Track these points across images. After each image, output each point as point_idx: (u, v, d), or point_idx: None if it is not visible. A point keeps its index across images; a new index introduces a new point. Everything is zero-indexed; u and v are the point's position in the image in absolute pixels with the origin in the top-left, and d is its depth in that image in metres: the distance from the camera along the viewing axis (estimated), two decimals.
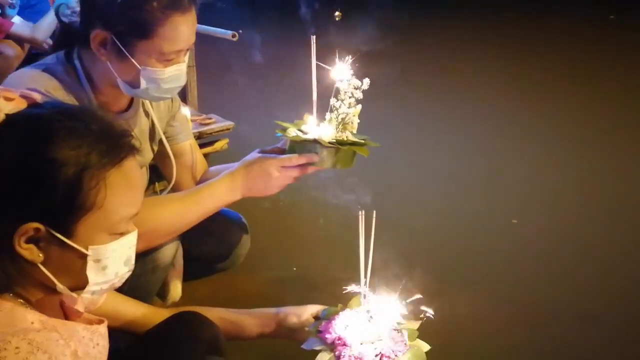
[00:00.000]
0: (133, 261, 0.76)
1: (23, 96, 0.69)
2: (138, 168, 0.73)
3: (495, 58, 4.49)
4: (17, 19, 2.62)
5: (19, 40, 2.62)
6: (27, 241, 0.67)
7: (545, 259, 1.90)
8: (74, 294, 0.73)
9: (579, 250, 1.93)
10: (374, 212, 0.91)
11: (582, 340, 1.51)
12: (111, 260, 0.72)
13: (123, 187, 0.70)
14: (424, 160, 2.68)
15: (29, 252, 0.67)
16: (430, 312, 0.96)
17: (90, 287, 0.72)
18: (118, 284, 0.77)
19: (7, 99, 0.67)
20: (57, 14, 1.19)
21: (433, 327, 0.98)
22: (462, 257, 1.88)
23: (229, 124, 2.19)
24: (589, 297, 1.69)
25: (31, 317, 0.69)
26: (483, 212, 2.20)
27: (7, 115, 0.66)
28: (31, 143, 0.66)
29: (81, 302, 0.87)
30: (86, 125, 0.69)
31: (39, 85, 1.08)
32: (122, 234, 0.72)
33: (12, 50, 2.63)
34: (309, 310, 1.08)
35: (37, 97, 0.70)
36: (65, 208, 0.66)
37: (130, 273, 0.77)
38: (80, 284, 0.72)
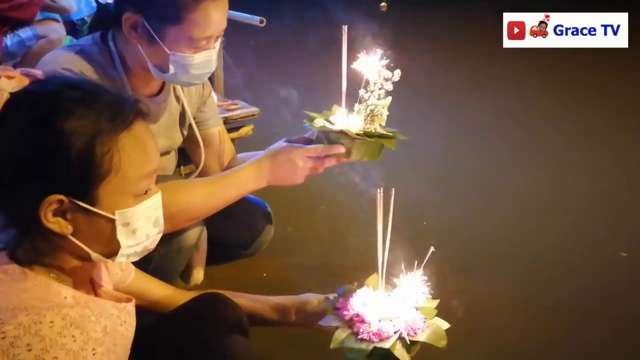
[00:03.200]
0: (162, 221, 0.77)
1: (24, 74, 0.70)
2: (148, 129, 0.74)
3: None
4: None
5: (51, 11, 2.65)
6: (54, 214, 0.68)
7: (560, 239, 1.86)
8: (109, 260, 0.74)
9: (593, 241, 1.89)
10: (393, 189, 0.90)
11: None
12: (140, 222, 0.73)
13: (136, 148, 0.70)
14: (448, 152, 2.64)
15: (57, 225, 0.68)
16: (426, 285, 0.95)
17: (123, 251, 0.73)
18: (151, 247, 0.78)
19: (9, 77, 0.68)
20: None
21: (452, 306, 0.97)
22: (482, 240, 1.86)
23: (254, 110, 2.20)
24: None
25: (65, 292, 0.71)
26: (506, 201, 2.15)
27: (10, 94, 0.67)
28: (38, 117, 0.67)
29: (110, 280, 0.90)
30: (90, 94, 0.70)
31: (74, 67, 1.10)
32: (145, 195, 0.73)
33: (56, 34, 2.66)
34: (329, 296, 1.08)
35: (39, 74, 0.71)
36: (83, 176, 0.67)
37: (160, 234, 0.78)
38: (113, 250, 0.73)
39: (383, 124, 1.18)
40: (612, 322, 1.52)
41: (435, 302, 0.97)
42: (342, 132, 1.15)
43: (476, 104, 3.05)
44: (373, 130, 1.16)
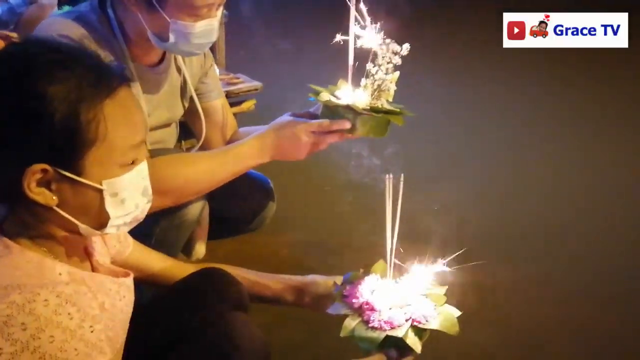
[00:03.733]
0: (150, 191, 0.75)
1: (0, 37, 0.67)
2: (133, 96, 0.71)
3: None
4: None
5: None
6: (38, 185, 0.65)
7: (568, 230, 1.86)
8: (98, 232, 0.72)
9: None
10: (402, 175, 0.88)
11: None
12: (128, 192, 0.70)
13: (121, 116, 0.67)
14: (460, 133, 2.61)
15: (42, 196, 0.66)
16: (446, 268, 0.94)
17: (113, 222, 0.71)
18: (141, 216, 0.76)
19: None
20: None
21: (461, 294, 0.96)
22: (490, 228, 1.86)
23: (256, 84, 2.16)
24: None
25: (59, 269, 0.69)
26: (517, 186, 2.15)
27: None
28: (17, 80, 0.63)
29: (108, 253, 0.88)
30: (71, 57, 0.66)
31: (71, 33, 1.07)
32: (132, 164, 0.70)
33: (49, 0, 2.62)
34: (336, 281, 1.06)
35: (14, 36, 0.68)
36: (67, 144, 0.64)
37: (150, 204, 0.76)
38: (102, 221, 0.71)
39: (390, 99, 1.15)
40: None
41: (444, 289, 0.95)
42: (348, 107, 1.12)
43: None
44: (380, 106, 1.13)
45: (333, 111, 1.15)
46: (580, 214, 2.00)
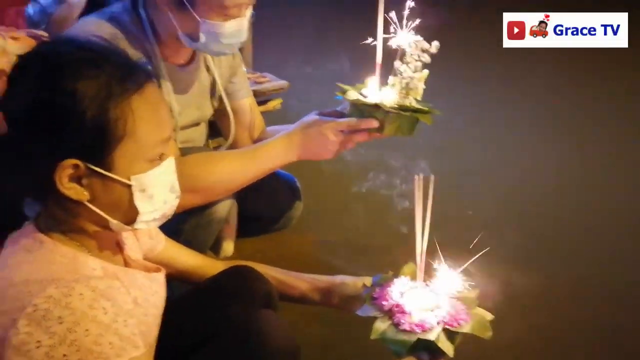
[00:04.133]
0: (178, 188, 0.76)
1: (30, 35, 0.69)
2: (160, 92, 0.73)
3: None
4: None
5: None
6: (70, 180, 0.67)
7: (612, 236, 1.82)
8: (128, 227, 0.73)
9: None
10: (432, 176, 0.86)
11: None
12: (156, 188, 0.72)
13: (148, 111, 0.69)
14: (491, 133, 2.58)
15: (74, 191, 0.68)
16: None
17: (142, 217, 0.73)
18: (170, 212, 0.77)
19: (14, 39, 0.66)
20: None
21: (491, 299, 0.95)
22: (520, 232, 1.83)
23: (283, 83, 2.16)
24: None
25: (93, 264, 0.70)
26: (554, 188, 2.11)
27: (18, 56, 0.66)
28: (48, 79, 0.65)
29: (140, 249, 0.90)
30: (99, 55, 0.68)
31: (105, 34, 1.09)
32: (160, 159, 0.72)
33: None
34: (365, 282, 1.05)
35: (45, 35, 0.69)
36: (97, 140, 0.66)
37: (178, 200, 0.77)
38: (132, 216, 0.72)
39: (419, 98, 1.14)
40: None
41: (476, 292, 0.93)
42: (376, 106, 1.11)
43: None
44: (408, 105, 1.12)
45: (360, 110, 1.14)
46: (599, 214, 1.95)
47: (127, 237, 0.85)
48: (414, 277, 0.96)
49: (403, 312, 0.88)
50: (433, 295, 0.91)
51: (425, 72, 1.11)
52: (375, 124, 1.12)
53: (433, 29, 1.11)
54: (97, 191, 0.69)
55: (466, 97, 3.09)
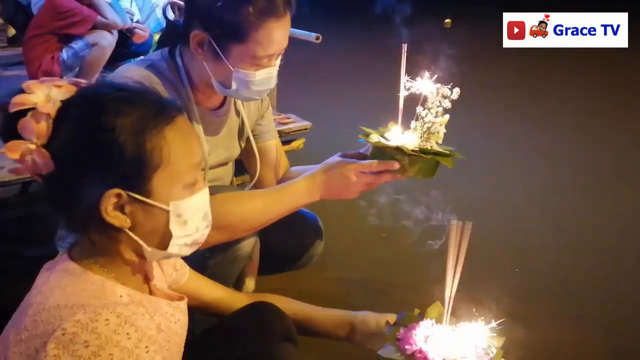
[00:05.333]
0: (210, 217, 0.82)
1: (71, 83, 0.75)
2: (189, 123, 0.79)
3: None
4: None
5: (103, 27, 2.85)
6: (114, 209, 0.72)
7: None
8: (161, 252, 0.78)
9: None
10: (470, 223, 0.86)
11: None
12: (191, 214, 0.77)
13: (181, 140, 0.75)
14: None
15: (117, 219, 0.73)
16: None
17: (175, 241, 0.77)
18: (201, 240, 0.81)
19: (57, 86, 0.73)
20: (164, 13, 1.27)
21: (519, 349, 0.93)
22: (550, 280, 1.77)
23: (306, 124, 2.23)
24: None
25: (120, 291, 0.75)
26: (585, 233, 2.03)
27: (62, 101, 0.73)
28: (91, 118, 0.72)
29: (164, 279, 0.93)
30: (135, 94, 0.75)
31: (145, 80, 1.16)
32: (194, 186, 0.77)
33: (107, 41, 2.86)
34: (389, 319, 1.06)
35: (83, 82, 0.76)
36: (137, 170, 0.72)
37: (209, 229, 0.82)
38: (166, 241, 0.77)
39: (440, 141, 1.17)
40: None
41: (502, 341, 0.92)
42: (398, 148, 1.15)
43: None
44: (429, 148, 1.15)
45: (382, 152, 1.18)
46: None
47: (154, 267, 0.89)
48: (439, 319, 0.95)
49: (426, 358, 0.87)
50: (458, 343, 0.90)
51: (447, 117, 1.15)
52: (396, 166, 1.15)
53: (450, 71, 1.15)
54: (138, 217, 0.74)
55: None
